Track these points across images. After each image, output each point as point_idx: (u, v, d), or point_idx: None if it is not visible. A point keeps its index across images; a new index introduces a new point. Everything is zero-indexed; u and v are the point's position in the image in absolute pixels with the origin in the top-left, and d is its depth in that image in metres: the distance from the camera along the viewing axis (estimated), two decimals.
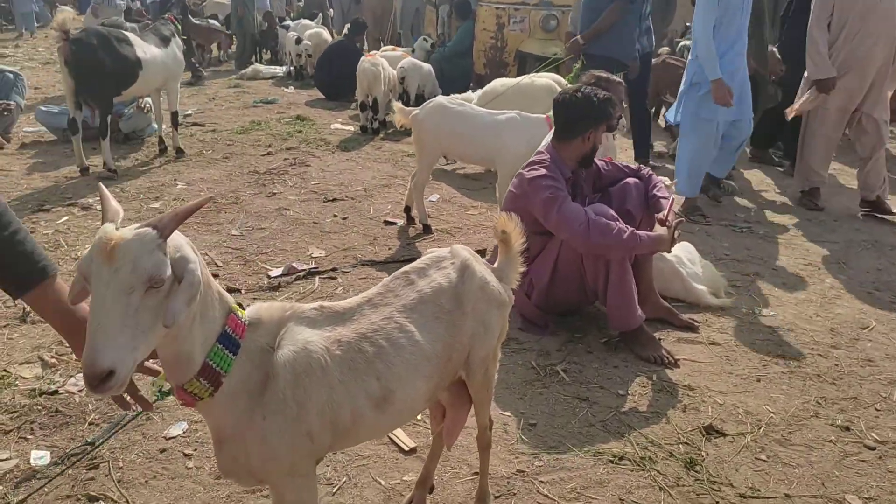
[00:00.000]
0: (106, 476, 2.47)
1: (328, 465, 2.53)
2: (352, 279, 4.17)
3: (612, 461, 2.61)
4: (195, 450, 2.63)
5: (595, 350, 3.41)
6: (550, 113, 4.59)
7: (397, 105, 5.00)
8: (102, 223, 1.31)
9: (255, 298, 3.88)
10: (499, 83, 6.41)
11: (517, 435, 2.74)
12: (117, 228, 1.29)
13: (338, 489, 2.43)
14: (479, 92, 6.43)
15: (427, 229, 4.94)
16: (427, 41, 10.28)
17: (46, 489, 2.39)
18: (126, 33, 6.14)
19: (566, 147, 3.49)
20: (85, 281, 1.29)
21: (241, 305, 1.59)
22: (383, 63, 7.75)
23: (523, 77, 6.46)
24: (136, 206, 5.31)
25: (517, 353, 3.35)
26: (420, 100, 7.95)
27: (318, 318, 1.70)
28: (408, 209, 5.09)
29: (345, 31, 9.98)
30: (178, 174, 6.13)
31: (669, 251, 3.37)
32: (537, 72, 6.54)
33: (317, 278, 4.14)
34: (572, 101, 3.48)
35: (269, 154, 6.82)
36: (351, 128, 8.02)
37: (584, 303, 3.65)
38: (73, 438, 2.66)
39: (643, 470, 2.57)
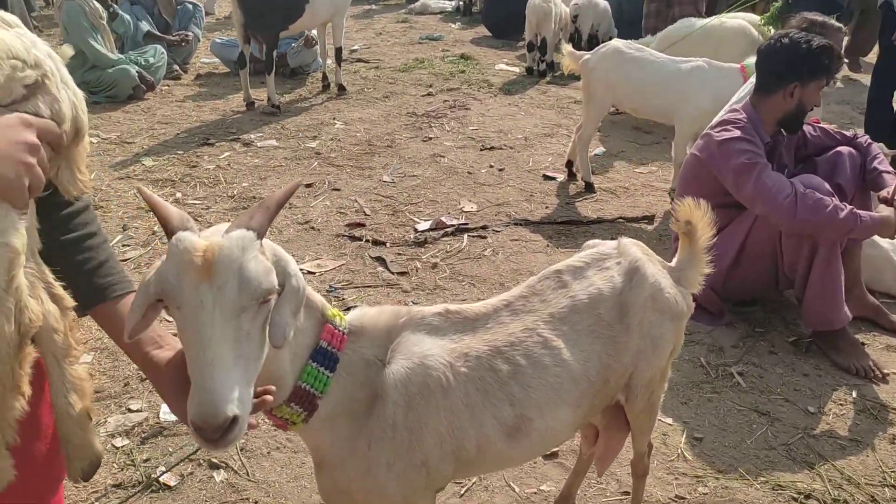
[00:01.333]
0: None
1: None
2: (502, 239, 3.85)
3: (795, 499, 2.15)
4: None
5: (780, 351, 2.89)
6: (746, 61, 3.97)
7: (567, 48, 4.52)
8: (168, 234, 1.01)
9: (399, 253, 3.67)
10: (682, 25, 5.69)
11: (678, 450, 2.34)
12: (198, 234, 1.02)
13: (466, 490, 2.17)
14: (658, 35, 5.74)
15: (590, 187, 4.49)
16: None
17: (170, 448, 2.32)
18: None
19: (765, 104, 2.91)
20: (166, 309, 1.03)
21: (338, 310, 1.30)
22: (556, 0, 7.19)
23: (712, 17, 5.70)
24: (294, 144, 5.26)
25: (684, 345, 2.89)
26: (593, 42, 7.33)
27: (442, 326, 1.38)
28: (570, 163, 4.65)
29: None
30: (337, 112, 6.04)
31: (893, 237, 2.74)
32: (729, 11, 5.73)
33: (465, 236, 3.86)
34: (775, 48, 2.88)
35: (429, 95, 6.56)
36: (516, 69, 7.58)
37: (771, 291, 3.10)
38: None
39: None
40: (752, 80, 3.40)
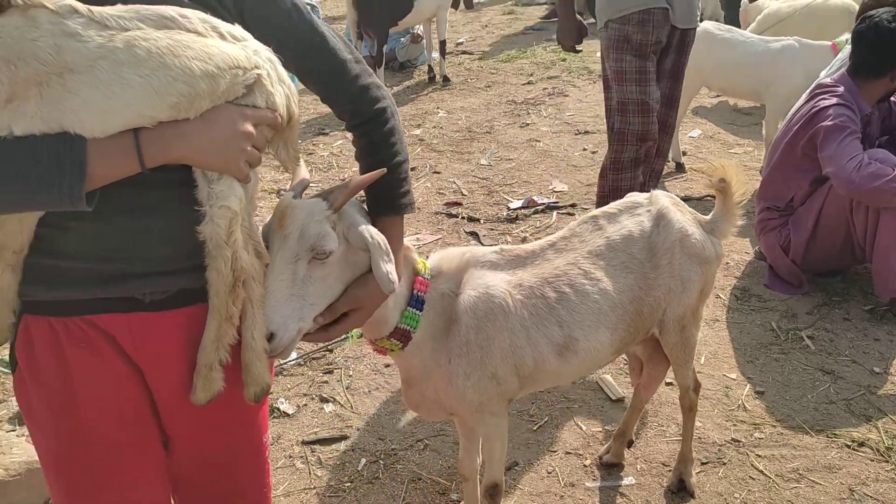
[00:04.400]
0: (337, 381, 2.75)
1: (533, 403, 2.56)
2: None
3: (848, 446, 2.30)
4: None
5: (854, 318, 2.98)
6: (838, 39, 4.00)
7: None
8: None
9: (492, 229, 3.98)
10: (784, 4, 5.65)
11: (739, 401, 2.52)
12: (295, 197, 1.34)
13: (538, 427, 2.45)
14: (759, 17, 5.72)
15: (680, 167, 4.62)
16: None
17: (289, 385, 2.74)
18: None
19: (869, 86, 3.02)
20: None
21: (423, 260, 1.62)
22: None
23: None
24: None
25: (756, 311, 3.05)
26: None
27: (499, 262, 1.69)
28: None
29: None
30: (441, 102, 6.40)
31: None
32: None
33: (554, 213, 4.11)
34: (884, 30, 2.93)
35: (529, 83, 6.81)
36: None
37: (850, 263, 3.18)
38: (315, 343, 2.99)
39: (886, 461, 2.23)
40: (841, 55, 3.48)
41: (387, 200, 1.40)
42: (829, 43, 3.98)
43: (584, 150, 5.10)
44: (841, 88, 3.02)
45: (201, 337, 1.23)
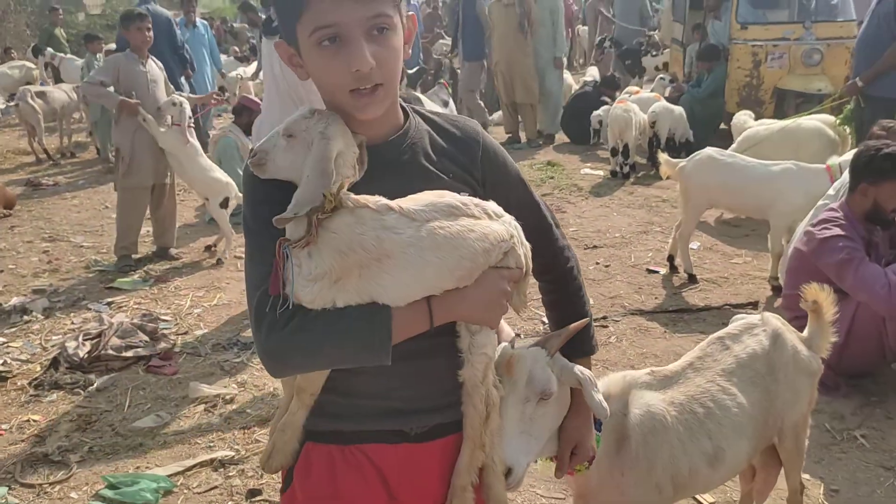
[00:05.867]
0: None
1: None
2: (623, 328, 4.34)
3: None
4: None
5: None
6: (830, 162, 4.48)
7: (663, 156, 5.12)
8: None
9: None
10: (760, 127, 6.25)
11: (819, 499, 2.72)
12: (513, 348, 1.53)
13: None
14: (739, 137, 6.31)
15: (692, 279, 4.97)
16: (664, 80, 10.25)
17: None
18: (420, 96, 7.05)
19: (850, 202, 3.43)
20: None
21: None
22: (634, 109, 7.87)
23: (788, 120, 6.25)
24: None
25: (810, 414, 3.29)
26: (670, 144, 7.95)
27: (653, 382, 1.91)
28: (671, 258, 5.15)
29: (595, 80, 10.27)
30: None
31: None
32: (808, 115, 6.26)
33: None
34: (855, 154, 3.45)
35: None
36: (600, 172, 8.21)
37: (881, 364, 3.49)
38: None
39: None
40: (842, 179, 3.92)
41: (581, 343, 1.59)
42: (824, 166, 4.45)
43: (597, 263, 5.43)
44: (840, 214, 3.40)
45: (452, 464, 1.42)
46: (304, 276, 1.21)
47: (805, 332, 2.26)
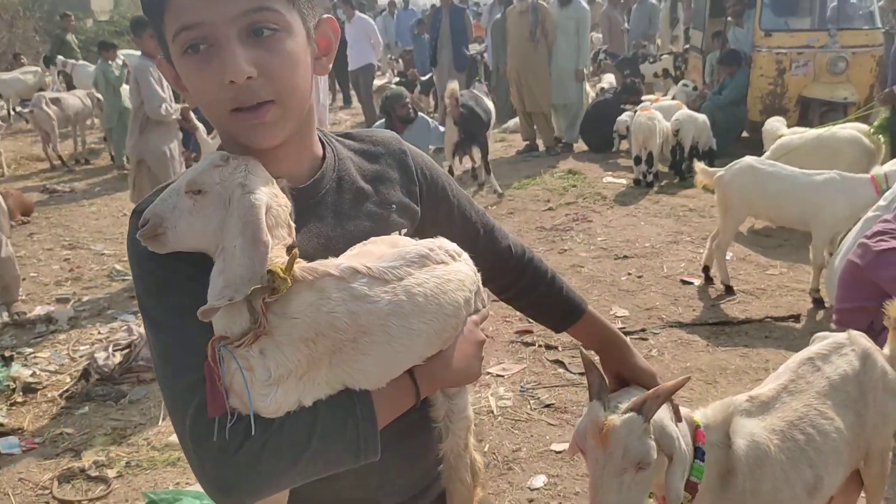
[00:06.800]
0: None
1: None
2: (663, 341, 4.24)
3: None
4: (559, 503, 2.85)
5: None
6: (875, 172, 4.39)
7: (700, 165, 5.03)
8: (590, 396, 1.42)
9: (574, 356, 4.09)
10: (794, 135, 6.16)
11: None
12: (605, 409, 1.38)
13: None
14: (772, 146, 6.21)
15: (729, 290, 4.87)
16: (687, 86, 10.18)
17: None
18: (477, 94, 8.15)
19: None
20: (576, 445, 1.44)
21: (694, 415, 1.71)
22: (658, 117, 7.79)
23: (824, 128, 6.16)
24: None
25: None
26: (693, 152, 7.86)
27: (752, 409, 1.81)
28: (706, 269, 5.06)
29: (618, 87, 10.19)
30: None
31: None
32: (841, 123, 6.17)
33: (628, 339, 4.26)
34: None
35: (549, 209, 7.13)
36: (623, 181, 8.12)
37: None
38: None
39: None
40: (893, 189, 3.82)
41: (571, 306, 1.46)
42: (868, 175, 4.35)
43: (629, 274, 5.34)
44: (895, 226, 3.30)
45: None
46: (261, 380, 0.93)
47: (886, 350, 2.16)
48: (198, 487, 2.98)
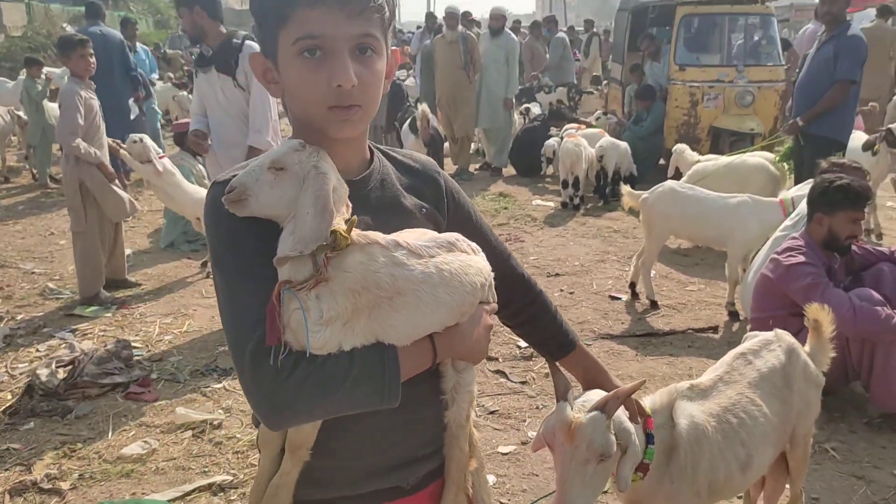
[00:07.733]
0: None
1: None
2: (595, 351, 4.49)
3: None
4: (508, 499, 3.04)
5: (858, 430, 3.52)
6: (783, 195, 4.83)
7: (626, 189, 5.39)
8: (556, 398, 1.57)
9: (513, 367, 4.32)
10: (708, 162, 6.65)
11: None
12: (571, 408, 1.55)
13: None
14: (689, 172, 6.68)
15: (654, 305, 5.22)
16: (609, 117, 10.74)
17: None
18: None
19: (808, 231, 3.71)
20: (544, 440, 1.61)
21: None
22: (584, 143, 8.21)
23: (734, 156, 6.67)
24: None
25: None
26: (616, 177, 8.30)
27: (692, 395, 2.06)
28: (633, 285, 5.40)
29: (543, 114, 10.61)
30: None
31: None
32: (750, 151, 6.69)
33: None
34: (813, 185, 3.75)
35: None
36: (551, 203, 8.48)
37: (841, 384, 3.76)
38: None
39: None
40: (799, 209, 4.23)
41: (565, 339, 1.63)
42: (777, 199, 4.79)
43: (561, 290, 5.63)
44: (802, 243, 3.69)
45: None
46: (315, 319, 1.11)
47: (807, 347, 2.47)
48: (154, 497, 3.03)
